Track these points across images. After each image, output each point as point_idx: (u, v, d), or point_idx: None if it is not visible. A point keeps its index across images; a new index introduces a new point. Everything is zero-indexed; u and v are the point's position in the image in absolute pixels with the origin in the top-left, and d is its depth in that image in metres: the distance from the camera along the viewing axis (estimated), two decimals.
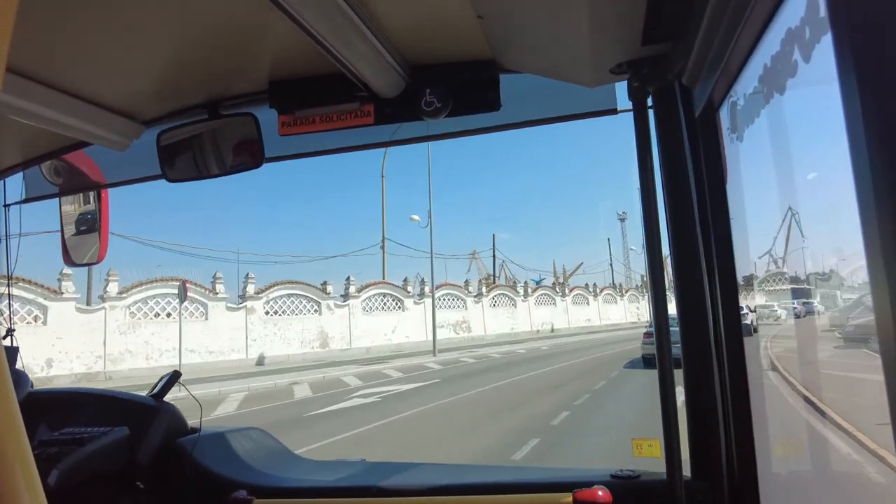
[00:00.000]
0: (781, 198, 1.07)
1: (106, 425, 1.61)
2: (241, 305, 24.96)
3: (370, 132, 1.56)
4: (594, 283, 54.98)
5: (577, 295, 50.71)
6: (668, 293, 1.31)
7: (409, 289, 33.46)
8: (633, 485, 1.44)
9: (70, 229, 2.23)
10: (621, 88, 1.44)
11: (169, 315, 22.42)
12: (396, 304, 32.33)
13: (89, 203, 2.19)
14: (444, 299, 35.34)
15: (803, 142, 0.92)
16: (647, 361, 17.50)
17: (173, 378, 1.85)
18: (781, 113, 0.88)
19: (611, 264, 66.09)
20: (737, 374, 1.22)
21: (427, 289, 32.86)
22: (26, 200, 2.15)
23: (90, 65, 1.37)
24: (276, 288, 26.50)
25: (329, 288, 29.26)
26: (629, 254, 70.22)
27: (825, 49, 0.66)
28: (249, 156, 1.63)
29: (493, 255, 49.87)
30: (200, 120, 1.62)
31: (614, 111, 1.52)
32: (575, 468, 1.61)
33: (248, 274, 25.85)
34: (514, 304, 41.90)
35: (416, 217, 33.12)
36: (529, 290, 44.03)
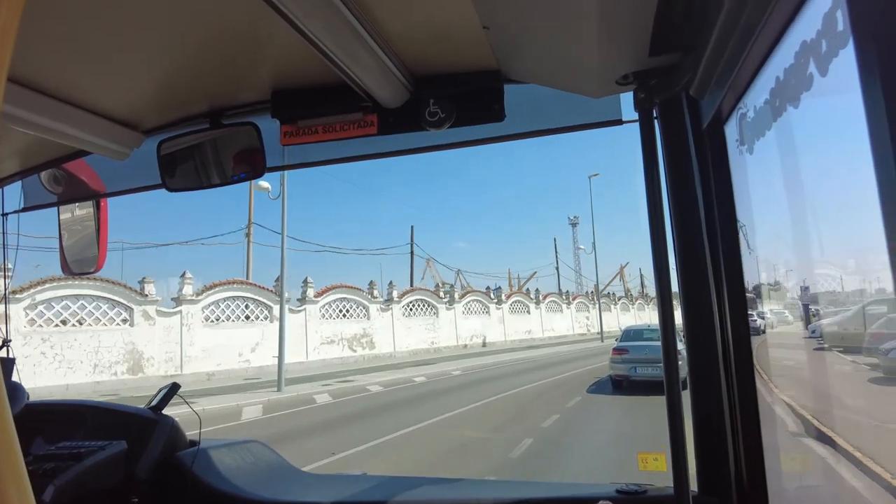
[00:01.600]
0: (793, 209, 1.06)
1: (104, 439, 1.58)
2: None
3: (373, 142, 1.55)
4: (536, 289, 47.23)
5: (515, 302, 42.75)
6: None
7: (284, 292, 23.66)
8: (639, 500, 1.42)
9: (68, 238, 2.21)
10: (626, 98, 1.43)
11: None
12: (262, 311, 24.23)
13: (88, 211, 2.18)
14: (336, 307, 27.86)
15: (818, 154, 0.91)
16: (616, 384, 14.60)
17: (172, 390, 1.82)
18: (795, 126, 0.87)
19: (556, 267, 58.69)
20: (745, 386, 1.20)
21: (312, 292, 26.47)
22: (25, 209, 2.13)
23: (91, 74, 1.36)
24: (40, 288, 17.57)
25: (148, 288, 20.02)
26: (578, 255, 64.08)
27: (843, 62, 0.65)
28: (251, 165, 1.62)
29: (412, 252, 40.46)
30: (202, 129, 1.60)
31: (619, 122, 1.51)
32: (579, 483, 1.59)
33: None
34: (436, 313, 34.31)
35: (264, 185, 21.29)
36: (456, 296, 36.36)
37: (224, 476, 1.71)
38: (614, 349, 14.89)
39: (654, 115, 1.30)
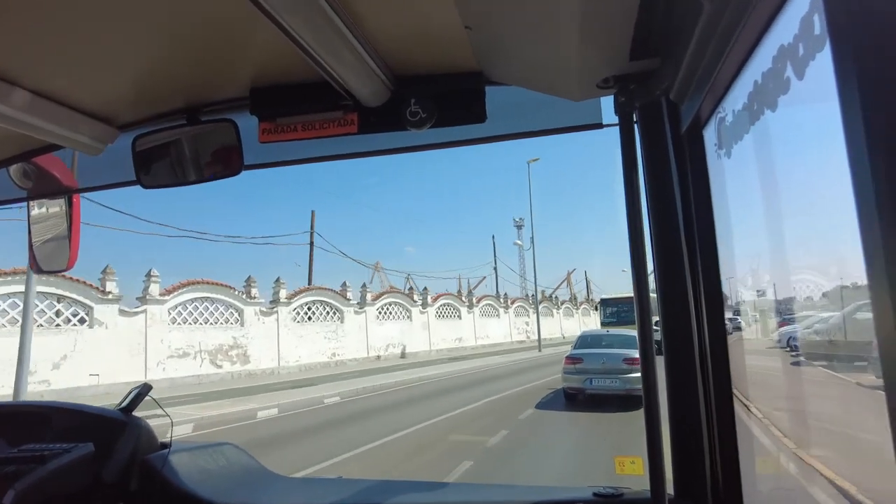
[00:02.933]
0: (770, 213, 1.07)
1: (70, 441, 1.54)
2: None
3: (353, 141, 1.53)
4: (469, 291, 42.46)
5: (444, 305, 37.07)
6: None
7: (111, 287, 18.80)
8: (615, 503, 1.42)
9: (38, 235, 2.15)
10: (606, 103, 1.44)
11: None
12: (77, 311, 18.16)
13: (60, 208, 2.12)
14: (194, 309, 21.72)
15: (795, 158, 0.92)
16: (570, 397, 13.11)
17: (143, 391, 1.78)
18: (772, 129, 0.87)
19: (495, 268, 52.12)
20: (722, 390, 1.21)
21: (157, 289, 20.09)
22: None
23: (65, 67, 1.32)
24: None
25: None
26: (523, 256, 57.83)
27: (820, 66, 0.66)
28: (228, 163, 1.59)
29: (311, 243, 32.73)
30: (179, 125, 1.58)
31: (599, 125, 1.51)
32: (556, 487, 1.59)
33: None
34: (341, 318, 28.36)
35: None
36: (369, 298, 30.39)
37: (196, 479, 1.67)
38: (567, 358, 13.27)
39: (634, 119, 1.31)
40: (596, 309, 36.88)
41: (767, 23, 0.78)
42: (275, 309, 25.13)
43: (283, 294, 25.67)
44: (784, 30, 0.74)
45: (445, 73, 1.40)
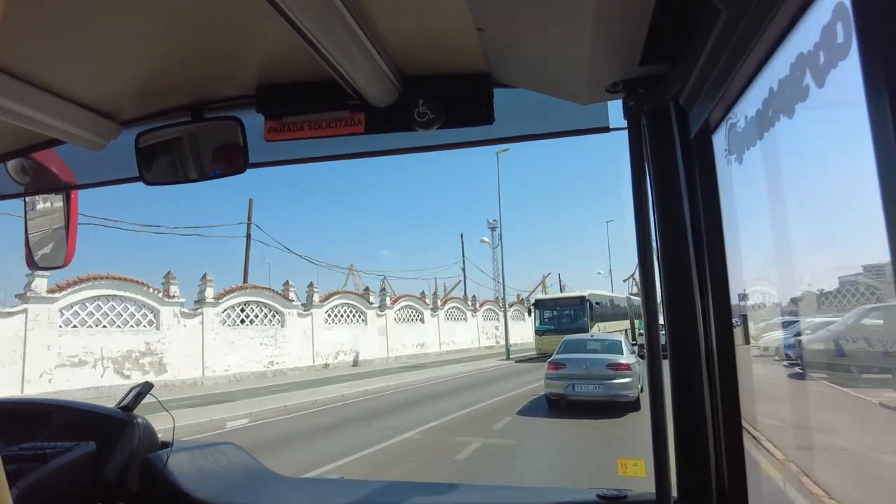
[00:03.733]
0: (780, 220, 1.07)
1: (71, 440, 1.52)
2: None
3: (360, 141, 1.53)
4: (434, 293, 38.49)
5: (404, 308, 33.87)
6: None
7: None
8: None
9: (35, 231, 2.13)
10: (613, 106, 1.45)
11: None
12: None
13: (57, 203, 2.10)
14: (94, 310, 18.55)
15: (809, 165, 0.93)
16: (552, 403, 12.70)
17: (145, 389, 1.76)
18: (787, 136, 0.88)
19: (463, 268, 46.75)
20: (728, 393, 1.22)
21: (43, 285, 16.92)
22: None
23: (69, 61, 1.31)
24: None
25: None
26: (498, 261, 49.49)
27: (841, 74, 0.67)
28: (232, 161, 1.58)
29: (247, 235, 27.76)
30: (183, 122, 1.56)
31: (606, 129, 1.52)
32: (560, 489, 1.59)
33: None
34: (282, 321, 25.12)
35: None
36: (316, 298, 27.15)
37: (197, 479, 1.66)
38: (550, 363, 12.86)
39: (643, 123, 1.32)
40: (530, 313, 32.69)
41: (786, 30, 0.79)
42: (199, 310, 21.78)
43: (209, 293, 22.27)
44: (804, 37, 0.74)
45: (454, 74, 1.40)
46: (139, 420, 1.71)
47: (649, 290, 1.26)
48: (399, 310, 33.38)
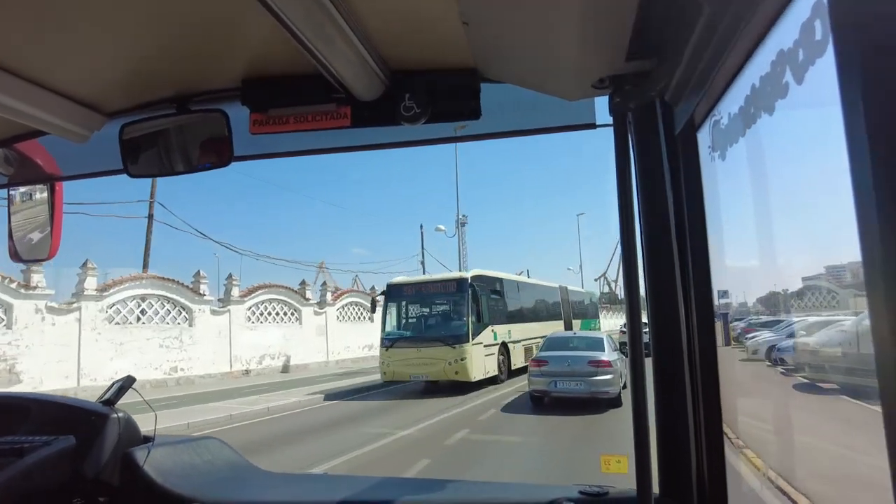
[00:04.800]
0: (761, 216, 1.08)
1: (51, 434, 1.51)
2: None
3: (346, 135, 1.52)
4: (335, 287, 30.06)
5: (349, 304, 28.70)
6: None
7: None
8: (601, 501, 1.43)
9: (19, 223, 2.10)
10: (600, 103, 1.44)
11: None
12: None
13: (41, 195, 2.08)
14: None
15: (790, 162, 0.93)
16: (536, 400, 12.88)
17: (126, 383, 1.75)
18: (768, 133, 0.88)
19: (422, 261, 37.86)
20: (709, 390, 1.22)
21: None
22: None
23: (53, 51, 1.29)
24: None
25: None
26: (464, 250, 42.00)
27: (819, 71, 0.67)
28: (217, 153, 1.57)
29: (150, 216, 22.94)
30: (168, 114, 1.55)
31: (593, 126, 1.52)
32: (542, 485, 1.59)
33: None
34: (190, 320, 20.72)
35: None
36: (236, 293, 22.71)
37: (179, 474, 1.64)
38: (533, 360, 13.15)
39: (629, 119, 1.32)
40: (373, 308, 19.28)
41: (767, 27, 0.79)
42: (76, 305, 17.53)
43: (91, 284, 17.87)
44: (784, 34, 0.74)
45: (441, 68, 1.39)
46: (120, 414, 1.69)
47: (633, 287, 1.27)
48: (343, 307, 28.26)
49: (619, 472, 1.51)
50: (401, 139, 1.60)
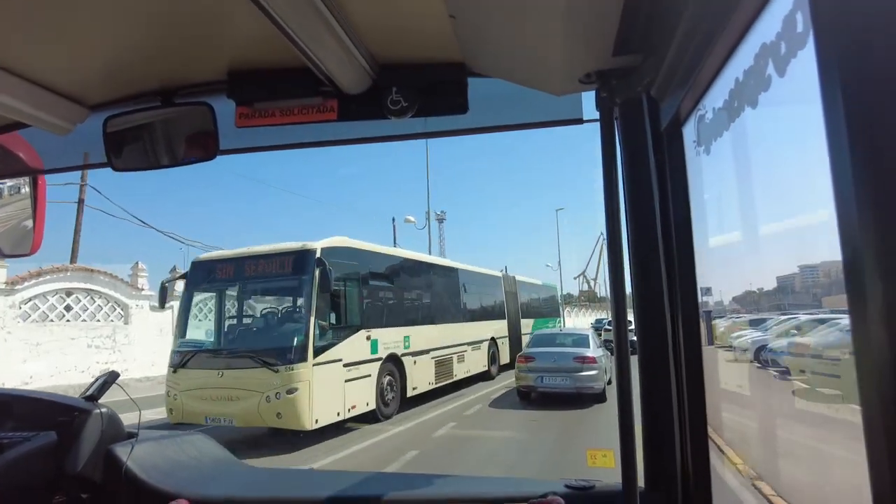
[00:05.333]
0: (747, 210, 1.08)
1: (32, 430, 1.49)
2: None
3: (333, 128, 1.52)
4: None
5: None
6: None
7: None
8: (587, 495, 1.44)
9: (1, 217, 2.07)
10: (587, 98, 1.45)
11: None
12: None
13: (24, 189, 2.05)
14: None
15: (773, 156, 0.94)
16: (523, 395, 12.70)
17: (110, 379, 1.73)
18: (752, 127, 0.88)
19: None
20: (694, 386, 1.23)
21: None
22: None
23: (35, 42, 1.27)
24: None
25: None
26: (443, 245, 42.03)
27: (801, 64, 0.67)
28: (203, 147, 1.56)
29: (80, 200, 19.28)
30: (153, 107, 1.53)
31: (580, 121, 1.52)
32: (529, 479, 1.60)
33: None
34: (125, 317, 17.65)
35: None
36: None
37: (164, 469, 1.63)
38: (520, 356, 12.92)
39: (615, 114, 1.32)
40: (163, 302, 11.96)
41: (751, 20, 0.79)
42: None
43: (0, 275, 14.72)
44: (767, 27, 0.74)
45: (428, 62, 1.39)
46: (103, 410, 1.67)
47: (618, 283, 1.27)
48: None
49: (606, 467, 1.51)
50: (387, 133, 1.60)
